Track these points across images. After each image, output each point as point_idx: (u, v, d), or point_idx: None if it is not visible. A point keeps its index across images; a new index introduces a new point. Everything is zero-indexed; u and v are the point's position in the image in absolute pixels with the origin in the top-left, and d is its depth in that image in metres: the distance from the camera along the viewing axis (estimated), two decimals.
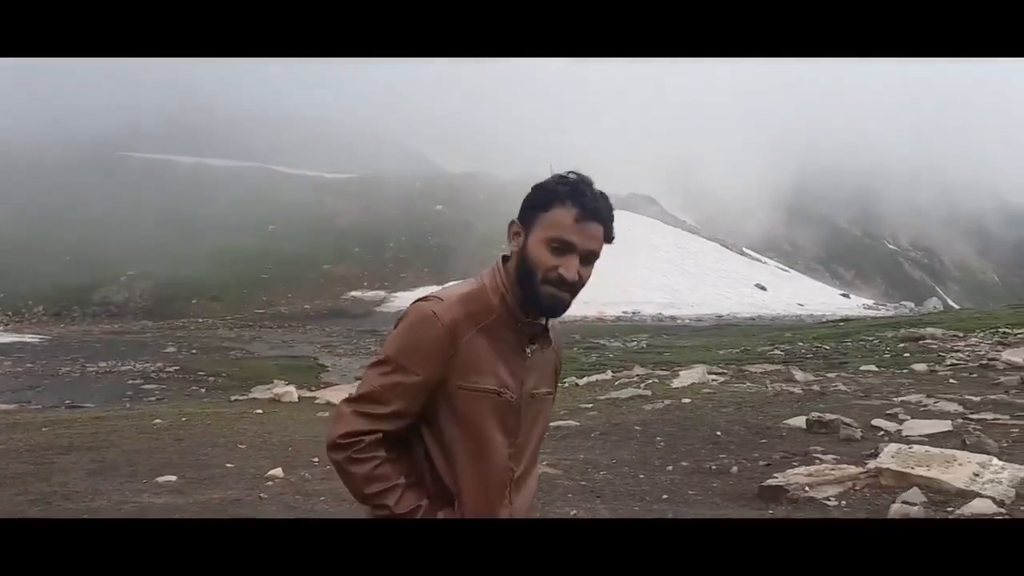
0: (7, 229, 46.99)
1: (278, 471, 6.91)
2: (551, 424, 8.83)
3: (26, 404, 15.31)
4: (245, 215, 50.84)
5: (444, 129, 74.60)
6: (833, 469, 5.64)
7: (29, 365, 22.01)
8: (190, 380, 19.55)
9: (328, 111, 74.37)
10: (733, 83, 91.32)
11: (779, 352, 22.26)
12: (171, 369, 21.18)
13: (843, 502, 5.13)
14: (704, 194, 73.55)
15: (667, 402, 9.68)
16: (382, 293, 44.02)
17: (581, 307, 40.32)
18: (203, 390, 18.05)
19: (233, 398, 14.41)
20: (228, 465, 7.35)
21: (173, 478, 6.81)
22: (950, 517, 4.32)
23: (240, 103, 74.39)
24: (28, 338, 29.98)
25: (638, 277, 46.45)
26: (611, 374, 13.61)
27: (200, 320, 37.56)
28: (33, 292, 40.22)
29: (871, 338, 23.56)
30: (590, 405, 10.07)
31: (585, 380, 13.29)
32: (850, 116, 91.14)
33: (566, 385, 13.29)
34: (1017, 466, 5.32)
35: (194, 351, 25.89)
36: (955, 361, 15.36)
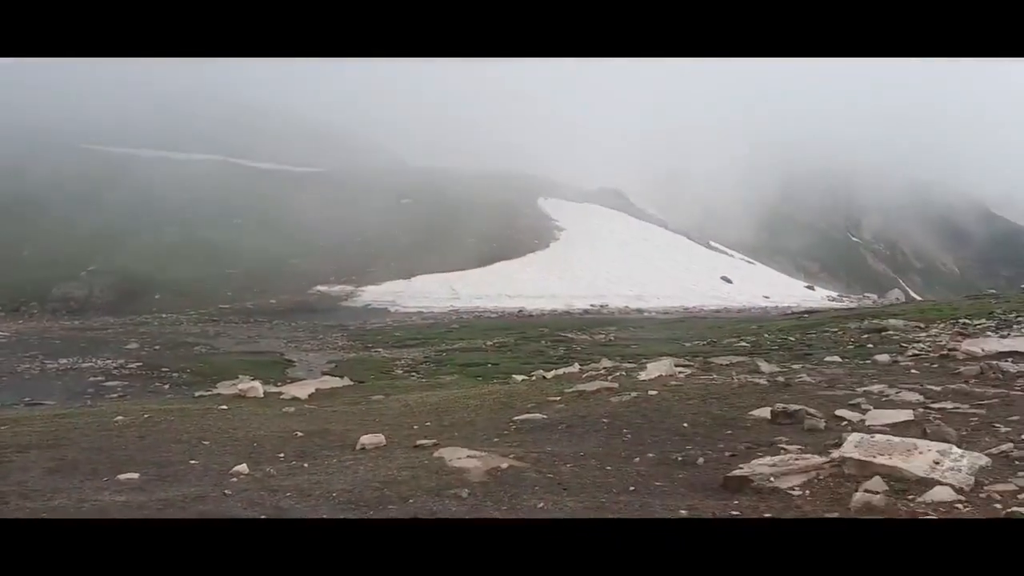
0: None
1: (243, 467, 6.82)
2: (517, 417, 8.86)
3: None
4: (209, 209, 50.17)
5: (410, 124, 74.20)
6: (797, 459, 5.71)
7: None
8: (153, 376, 19.27)
9: (292, 105, 73.53)
10: (704, 80, 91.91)
11: (745, 344, 22.53)
12: (133, 365, 20.85)
13: (807, 491, 5.19)
14: (672, 188, 74.04)
15: (634, 394, 9.72)
16: (349, 288, 43.73)
17: (548, 300, 40.53)
18: (167, 386, 17.81)
19: (197, 394, 14.23)
20: (192, 462, 7.25)
21: (135, 475, 6.69)
22: (933, 518, 4.38)
23: (202, 97, 73.27)
24: None
25: (605, 270, 46.67)
26: (578, 367, 13.65)
27: (164, 316, 37.01)
28: None
29: (835, 329, 23.95)
30: (557, 398, 10.08)
31: (552, 373, 13.30)
32: (821, 113, 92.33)
33: (533, 378, 13.31)
34: (976, 454, 5.42)
35: (157, 347, 25.50)
36: (917, 351, 15.64)
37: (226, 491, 6.13)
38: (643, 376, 11.32)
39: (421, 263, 45.91)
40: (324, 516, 5.36)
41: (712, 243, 63.04)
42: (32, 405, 14.04)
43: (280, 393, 12.77)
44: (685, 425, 7.91)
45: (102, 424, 9.37)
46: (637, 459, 6.74)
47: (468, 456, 6.69)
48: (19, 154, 55.14)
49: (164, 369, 20.27)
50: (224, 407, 11.20)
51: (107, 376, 19.14)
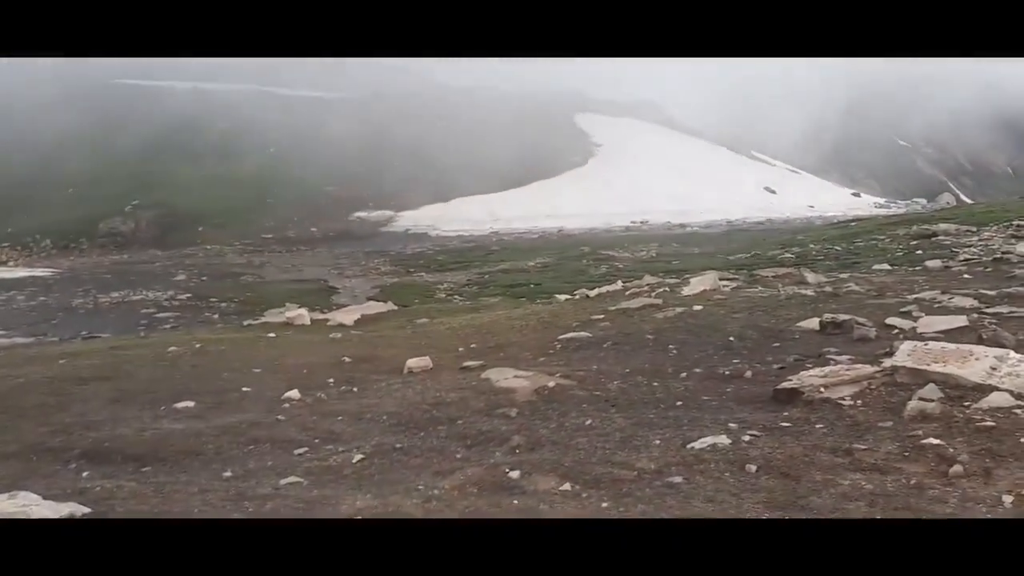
0: (8, 164, 46.72)
1: (294, 393, 6.96)
2: (562, 336, 8.86)
3: (43, 337, 15.48)
4: (245, 139, 50.22)
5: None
6: (848, 369, 5.62)
7: (43, 299, 22.19)
8: (202, 307, 19.71)
9: None
10: None
11: (790, 255, 22.18)
12: (183, 297, 21.33)
13: (859, 401, 5.12)
14: (716, 98, 71.84)
15: (679, 310, 9.64)
16: (388, 213, 43.84)
17: (588, 219, 40.18)
18: (216, 316, 18.20)
19: (246, 323, 14.52)
20: (244, 389, 7.42)
21: (191, 404, 6.88)
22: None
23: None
24: (40, 272, 30.15)
25: (645, 186, 46.00)
26: (621, 284, 13.57)
27: (208, 247, 37.59)
28: (40, 226, 40.26)
29: (883, 237, 23.41)
30: (601, 316, 10.06)
31: (596, 292, 13.25)
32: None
33: (577, 297, 13.28)
34: None
35: (205, 278, 26.00)
36: (969, 256, 15.24)
37: (279, 416, 6.27)
38: (687, 291, 11.21)
39: (459, 186, 45.68)
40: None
41: (754, 153, 61.56)
42: (88, 339, 14.47)
43: (327, 320, 12.96)
44: (732, 339, 7.84)
45: (157, 355, 9.62)
46: (684, 374, 6.71)
47: (515, 376, 6.72)
48: (54, 91, 55.42)
49: (212, 299, 20.70)
50: (272, 335, 11.41)
51: (158, 308, 19.62)
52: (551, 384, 6.45)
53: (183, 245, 37.98)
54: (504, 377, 6.72)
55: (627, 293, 11.99)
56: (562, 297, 13.72)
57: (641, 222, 40.63)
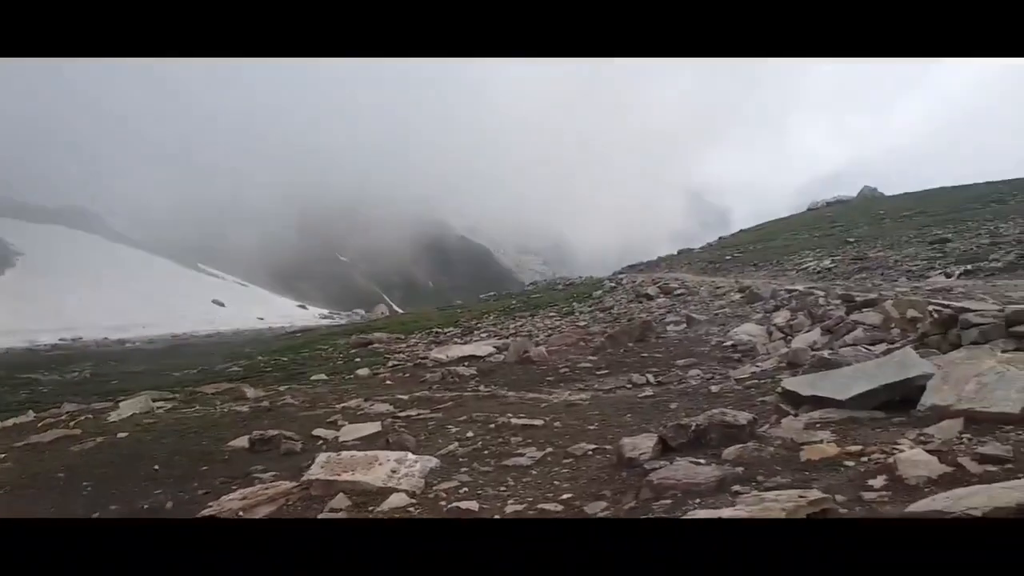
0: None
1: None
2: None
3: None
4: None
5: None
6: (268, 487, 5.60)
7: None
8: None
9: None
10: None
11: (238, 369, 22.06)
12: None
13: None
14: (156, 210, 69.58)
15: (99, 440, 8.70)
16: None
17: (5, 337, 34.71)
18: None
19: None
20: None
21: None
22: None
23: None
24: None
25: (76, 299, 41.82)
26: (33, 415, 11.80)
27: None
28: None
29: (326, 347, 24.84)
30: (2, 456, 8.55)
31: None
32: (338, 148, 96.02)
33: None
34: (427, 457, 5.93)
35: None
36: (397, 362, 16.95)
37: None
38: (114, 417, 10.25)
39: None
40: None
41: (201, 265, 60.86)
42: None
43: None
44: (156, 468, 7.29)
45: None
46: (97, 515, 6.00)
47: None
48: None
49: None
50: None
51: None
52: None
53: None
54: None
55: (40, 425, 10.44)
56: None
57: (72, 339, 36.55)
